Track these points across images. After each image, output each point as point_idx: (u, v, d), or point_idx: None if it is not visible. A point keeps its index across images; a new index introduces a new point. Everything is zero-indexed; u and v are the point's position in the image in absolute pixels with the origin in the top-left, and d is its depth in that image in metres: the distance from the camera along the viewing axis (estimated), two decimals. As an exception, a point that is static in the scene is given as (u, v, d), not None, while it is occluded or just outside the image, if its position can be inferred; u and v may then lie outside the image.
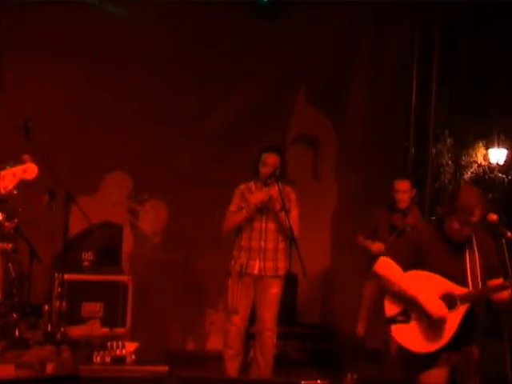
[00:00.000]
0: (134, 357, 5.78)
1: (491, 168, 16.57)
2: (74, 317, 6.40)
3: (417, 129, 8.18)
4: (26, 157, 3.97)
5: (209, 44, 7.44)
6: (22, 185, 3.96)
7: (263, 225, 6.07)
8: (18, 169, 3.90)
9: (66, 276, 6.27)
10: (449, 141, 15.41)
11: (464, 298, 4.21)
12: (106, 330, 6.52)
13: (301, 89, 8.01)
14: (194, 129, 7.55)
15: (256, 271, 6.03)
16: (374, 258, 6.25)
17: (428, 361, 4.24)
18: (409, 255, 4.29)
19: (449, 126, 14.47)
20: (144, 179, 7.44)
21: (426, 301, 4.18)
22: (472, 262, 4.25)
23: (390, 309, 4.28)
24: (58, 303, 6.15)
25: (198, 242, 7.56)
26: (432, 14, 7.86)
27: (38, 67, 7.02)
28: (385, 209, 6.61)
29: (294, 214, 6.08)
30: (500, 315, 4.97)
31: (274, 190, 5.98)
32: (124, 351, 5.68)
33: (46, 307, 6.34)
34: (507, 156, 16.51)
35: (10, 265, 6.06)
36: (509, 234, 4.17)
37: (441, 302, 4.18)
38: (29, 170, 3.89)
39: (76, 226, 6.59)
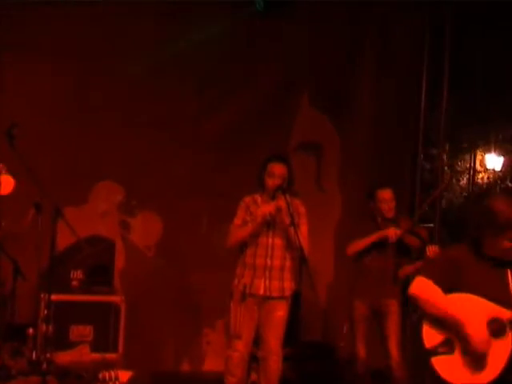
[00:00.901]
0: (128, 387, 5.52)
1: (488, 174, 16.54)
2: (61, 341, 6.17)
3: (426, 134, 8.05)
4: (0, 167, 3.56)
5: (207, 45, 7.25)
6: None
7: (270, 240, 5.73)
8: None
9: (53, 296, 5.95)
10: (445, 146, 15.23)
11: None
12: (96, 355, 6.27)
13: (304, 93, 7.85)
14: (190, 134, 7.39)
15: (261, 291, 5.71)
16: (364, 272, 6.27)
17: None
18: (447, 275, 3.94)
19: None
20: (136, 189, 7.29)
21: (472, 330, 3.81)
22: None
23: (430, 338, 3.89)
24: (43, 326, 5.89)
25: (195, 257, 7.34)
26: (442, 14, 7.74)
27: (34, 68, 6.96)
28: (372, 222, 6.38)
29: (304, 229, 5.78)
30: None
31: (283, 203, 5.61)
32: (117, 383, 5.31)
33: (31, 331, 6.12)
34: (504, 162, 16.47)
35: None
36: None
37: (487, 333, 3.81)
38: (3, 183, 3.45)
39: (64, 241, 6.29)
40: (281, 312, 5.76)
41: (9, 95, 6.85)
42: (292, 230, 5.57)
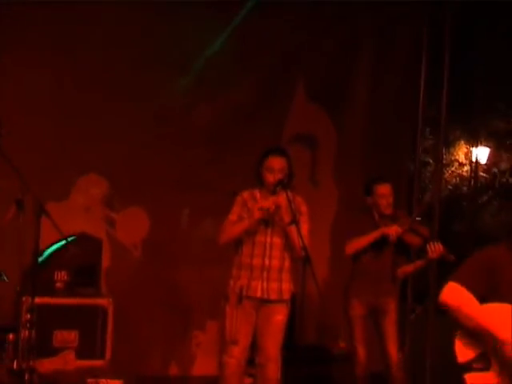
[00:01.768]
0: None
1: (473, 167, 16.77)
2: (44, 347, 5.83)
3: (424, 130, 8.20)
4: None
5: (199, 38, 7.13)
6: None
7: (268, 239, 5.48)
8: None
9: (36, 299, 5.64)
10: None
11: None
12: (82, 362, 6.00)
13: (299, 83, 7.66)
14: (179, 127, 7.15)
15: (258, 293, 5.46)
16: (361, 270, 6.12)
17: None
18: (481, 280, 3.72)
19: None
20: (122, 183, 7.01)
21: (505, 336, 3.58)
22: None
23: (463, 352, 3.65)
24: (25, 332, 5.57)
25: (183, 255, 7.12)
26: (441, 13, 7.72)
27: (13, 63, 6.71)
28: (369, 219, 6.23)
29: (305, 228, 5.51)
30: None
31: (283, 199, 5.34)
32: (108, 394, 5.07)
33: (11, 336, 5.81)
34: (489, 155, 16.71)
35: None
36: None
37: None
38: None
39: (47, 240, 6.02)
40: (280, 316, 5.52)
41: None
42: (294, 228, 5.30)
